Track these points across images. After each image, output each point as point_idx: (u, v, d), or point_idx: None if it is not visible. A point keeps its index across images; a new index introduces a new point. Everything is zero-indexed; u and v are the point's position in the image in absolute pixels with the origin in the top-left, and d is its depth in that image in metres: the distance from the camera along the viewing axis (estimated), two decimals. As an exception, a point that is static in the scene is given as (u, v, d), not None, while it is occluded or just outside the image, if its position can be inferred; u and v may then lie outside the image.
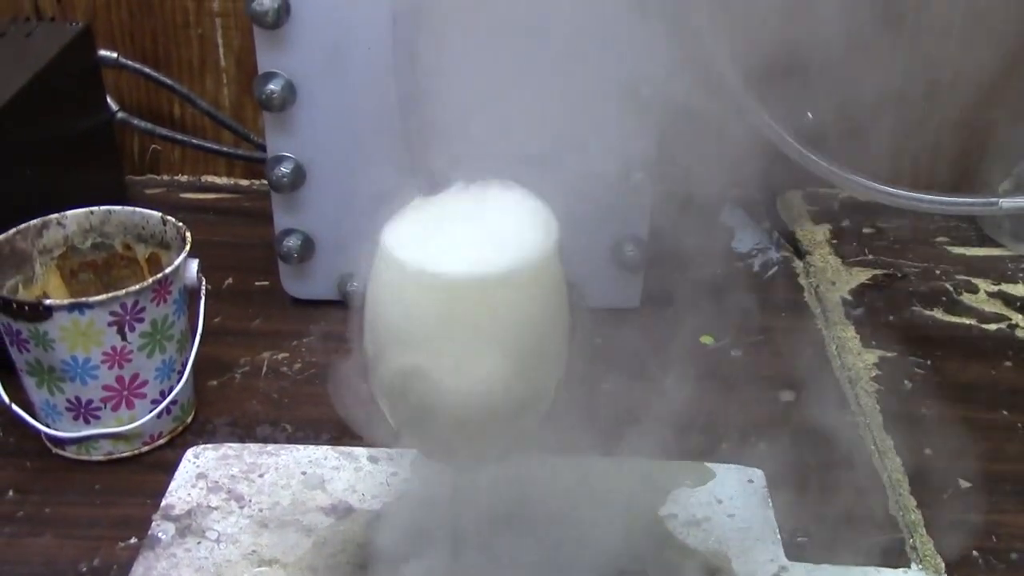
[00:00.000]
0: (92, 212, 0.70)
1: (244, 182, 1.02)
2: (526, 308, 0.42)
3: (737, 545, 0.59)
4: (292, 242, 0.80)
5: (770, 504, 0.63)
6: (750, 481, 0.64)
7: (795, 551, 0.61)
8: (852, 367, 0.78)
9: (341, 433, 0.70)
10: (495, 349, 0.42)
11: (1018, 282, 0.89)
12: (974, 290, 0.87)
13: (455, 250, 0.43)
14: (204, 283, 0.69)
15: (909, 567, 0.61)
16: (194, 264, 0.68)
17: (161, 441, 0.69)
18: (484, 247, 0.43)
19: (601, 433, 0.67)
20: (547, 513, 0.60)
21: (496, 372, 0.43)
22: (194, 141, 0.96)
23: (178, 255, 0.66)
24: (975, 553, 0.63)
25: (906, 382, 0.77)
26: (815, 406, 0.74)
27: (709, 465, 0.65)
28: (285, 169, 0.77)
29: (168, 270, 0.64)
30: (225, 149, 0.96)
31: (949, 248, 0.93)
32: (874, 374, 0.78)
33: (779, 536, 0.61)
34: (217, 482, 0.62)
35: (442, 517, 0.59)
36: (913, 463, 0.69)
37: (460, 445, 0.47)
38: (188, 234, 0.68)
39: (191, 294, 0.69)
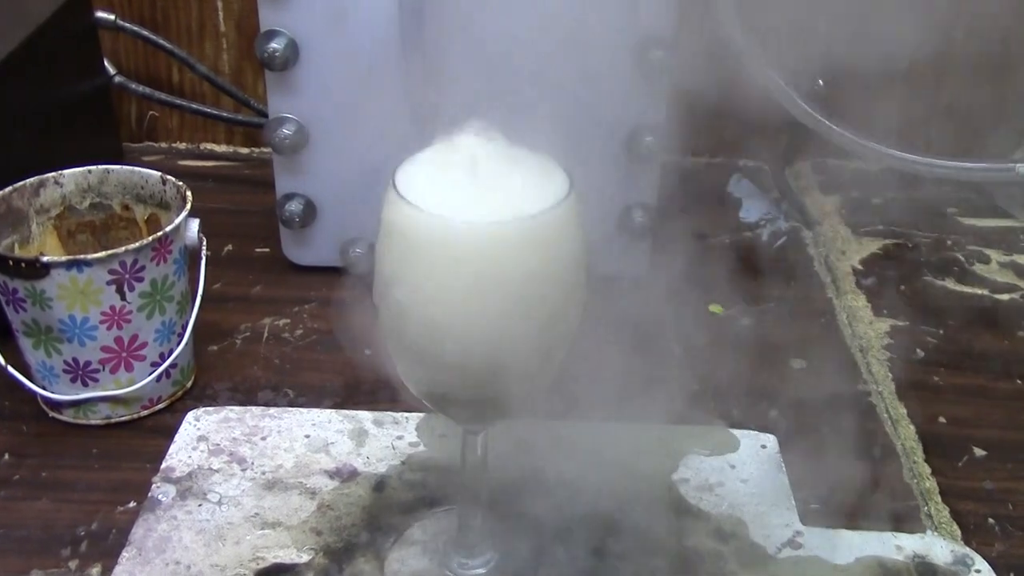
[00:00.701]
0: (90, 171, 0.69)
1: (244, 150, 1.00)
2: (545, 258, 0.41)
3: (751, 510, 0.58)
4: (294, 206, 0.78)
5: (783, 469, 0.61)
6: (763, 447, 0.63)
7: (809, 517, 0.60)
8: (863, 336, 0.77)
9: (344, 399, 0.69)
10: (511, 300, 0.41)
11: (1030, 253, 0.88)
12: (986, 260, 0.86)
13: (472, 198, 0.41)
14: (205, 243, 0.67)
15: (925, 533, 0.59)
16: (195, 224, 0.66)
17: (160, 405, 0.67)
18: (501, 196, 0.42)
19: (612, 399, 0.65)
20: (558, 477, 0.59)
21: (512, 324, 0.41)
22: (193, 106, 0.94)
23: (178, 216, 0.65)
24: (991, 520, 0.62)
25: (918, 351, 0.76)
26: (827, 374, 0.73)
27: (721, 429, 0.64)
28: (287, 131, 0.75)
29: (168, 228, 0.63)
30: (225, 115, 0.94)
31: (960, 219, 0.92)
32: (886, 343, 0.76)
33: (793, 501, 0.59)
34: (219, 444, 0.61)
35: (450, 481, 0.58)
36: (927, 431, 0.68)
37: (472, 402, 0.45)
38: (188, 193, 0.66)
39: (192, 255, 0.67)
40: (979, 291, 0.83)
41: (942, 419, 0.70)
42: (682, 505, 0.58)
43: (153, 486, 0.58)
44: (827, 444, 0.66)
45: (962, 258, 0.87)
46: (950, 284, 0.84)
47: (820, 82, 0.87)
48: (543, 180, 0.43)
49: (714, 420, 0.67)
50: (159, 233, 0.62)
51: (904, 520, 0.61)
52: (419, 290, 0.41)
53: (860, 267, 0.85)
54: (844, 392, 0.71)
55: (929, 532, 0.60)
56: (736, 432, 0.63)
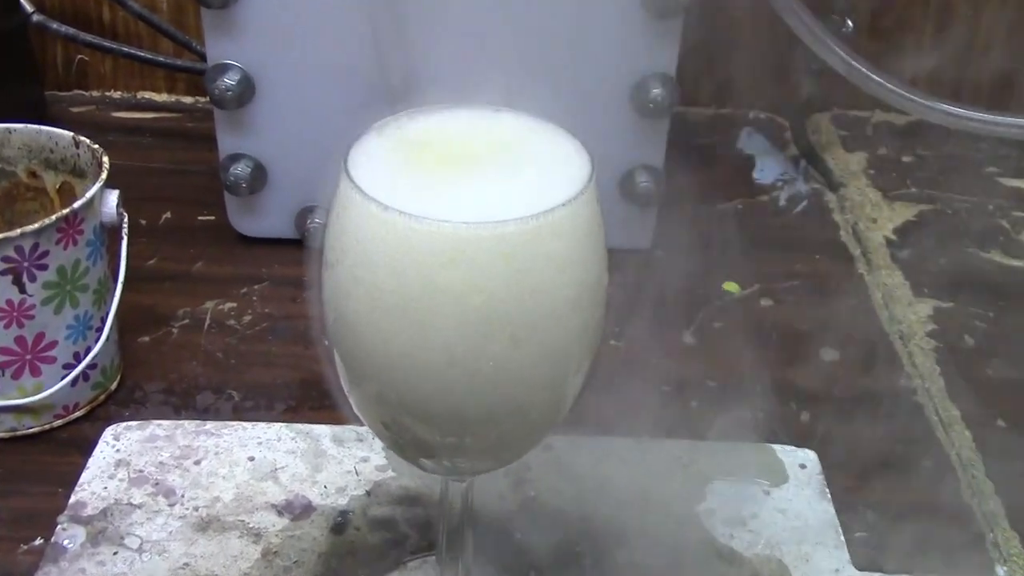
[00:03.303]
0: (-13, 131, 0.57)
1: (187, 99, 0.88)
2: (555, 269, 0.30)
3: (793, 550, 0.48)
4: (240, 170, 0.67)
5: (828, 494, 0.51)
6: (802, 466, 0.52)
7: (857, 551, 0.50)
8: (903, 320, 0.67)
9: (299, 402, 0.58)
10: (510, 323, 0.30)
11: (1082, 219, 0.77)
12: (1034, 228, 0.76)
13: (453, 189, 0.30)
14: (126, 219, 0.55)
15: (993, 570, 0.50)
16: (113, 196, 0.55)
17: (78, 413, 0.56)
18: (495, 185, 0.31)
19: (612, 405, 0.55)
20: (558, 511, 0.48)
21: (510, 353, 0.30)
22: (125, 50, 0.82)
23: (92, 187, 0.53)
24: (1070, 551, 0.52)
25: (967, 337, 0.66)
26: (864, 367, 0.63)
27: (751, 446, 0.53)
28: (230, 80, 0.64)
29: (77, 204, 0.51)
30: (162, 59, 0.82)
31: (1001, 180, 0.82)
32: (929, 328, 0.66)
33: (842, 537, 0.49)
34: (142, 471, 0.50)
35: (427, 518, 0.48)
36: (986, 437, 0.58)
37: (453, 452, 0.34)
38: (105, 159, 0.55)
39: (111, 233, 0.56)
40: (1030, 264, 0.73)
41: (1001, 422, 0.60)
42: (710, 546, 0.47)
43: (58, 527, 0.47)
44: (870, 455, 0.56)
45: (1007, 225, 0.76)
46: (996, 256, 0.73)
47: (849, 23, 0.75)
48: (551, 161, 0.32)
49: (738, 431, 0.56)
50: (64, 211, 0.51)
51: (967, 551, 0.52)
52: (379, 308, 0.30)
53: (894, 237, 0.74)
54: (885, 389, 0.62)
55: (999, 569, 0.50)
56: (770, 448, 0.53)
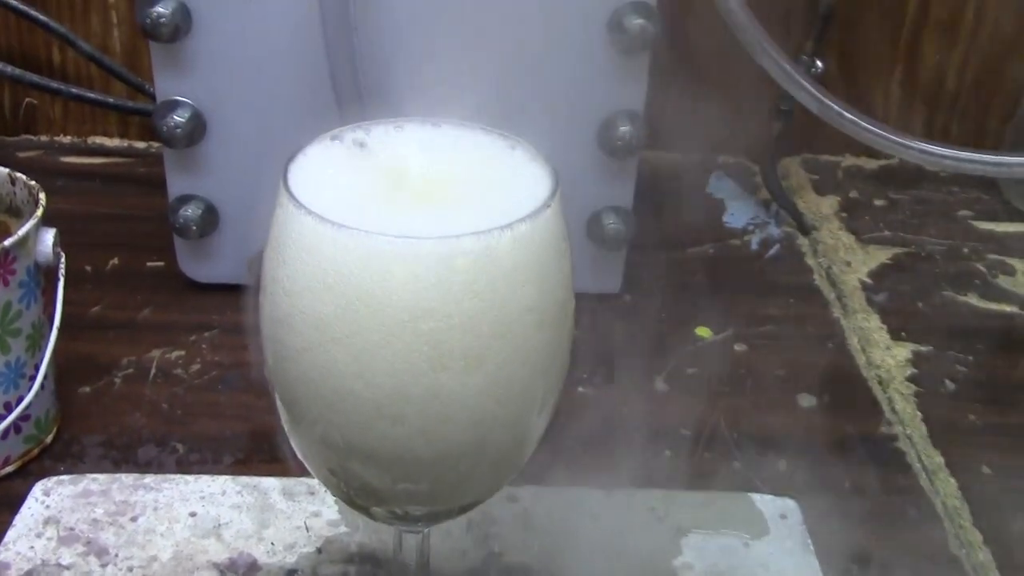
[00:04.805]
0: (-84, 168, 0.54)
1: (140, 144, 0.85)
2: (518, 290, 0.27)
3: (776, 607, 0.45)
4: (190, 212, 0.64)
5: (811, 547, 0.48)
6: (783, 516, 0.49)
7: (843, 608, 0.47)
8: (882, 364, 0.64)
9: (248, 454, 0.55)
10: (468, 354, 0.27)
11: (1058, 262, 0.76)
12: (1010, 272, 0.74)
13: (404, 203, 0.27)
14: (63, 260, 0.52)
15: (987, 626, 0.47)
16: (49, 235, 0.51)
17: (9, 468, 0.52)
18: (449, 201, 0.28)
19: (581, 455, 0.52)
20: (525, 568, 0.45)
21: (470, 386, 0.27)
22: (74, 91, 0.79)
23: (26, 224, 0.50)
24: (1065, 604, 0.49)
25: (947, 382, 0.63)
26: (842, 413, 0.60)
27: (728, 495, 0.50)
28: (179, 118, 0.61)
29: (8, 242, 0.48)
30: (112, 101, 0.79)
31: (974, 223, 0.80)
32: (909, 373, 0.64)
33: (828, 593, 0.46)
34: (72, 529, 0.46)
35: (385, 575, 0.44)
36: (971, 485, 0.56)
37: (411, 500, 0.31)
38: (42, 195, 0.52)
39: (47, 275, 0.52)
40: (1007, 308, 0.71)
41: (986, 468, 0.57)
42: (687, 602, 0.44)
43: (-22, 592, 0.44)
44: (852, 504, 0.54)
45: (983, 269, 0.74)
46: (973, 300, 0.71)
47: (818, 64, 0.74)
48: (510, 175, 0.29)
49: (713, 479, 0.54)
50: (-6, 249, 0.47)
51: (959, 607, 0.49)
52: (319, 337, 0.27)
53: (869, 280, 0.72)
54: (866, 436, 0.59)
55: (994, 624, 0.47)
56: (748, 498, 0.50)
